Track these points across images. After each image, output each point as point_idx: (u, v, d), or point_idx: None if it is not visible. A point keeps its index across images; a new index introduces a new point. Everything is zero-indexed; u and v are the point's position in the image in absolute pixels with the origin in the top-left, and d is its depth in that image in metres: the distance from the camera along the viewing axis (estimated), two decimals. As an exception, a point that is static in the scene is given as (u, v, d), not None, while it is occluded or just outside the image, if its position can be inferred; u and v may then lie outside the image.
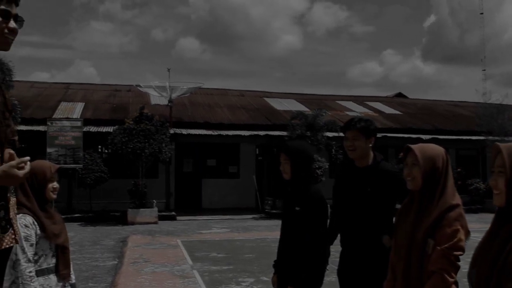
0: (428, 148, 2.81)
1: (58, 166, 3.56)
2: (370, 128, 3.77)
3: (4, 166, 2.11)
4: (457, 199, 2.68)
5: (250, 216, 17.78)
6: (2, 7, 2.21)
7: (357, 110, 25.06)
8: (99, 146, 19.12)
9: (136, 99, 22.40)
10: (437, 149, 2.82)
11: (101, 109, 21.09)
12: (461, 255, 2.55)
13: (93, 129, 17.97)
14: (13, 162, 2.12)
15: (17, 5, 2.29)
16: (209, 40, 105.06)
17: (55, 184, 3.41)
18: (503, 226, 1.96)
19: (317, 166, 16.93)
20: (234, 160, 21.61)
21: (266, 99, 25.90)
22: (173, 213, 17.67)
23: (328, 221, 3.88)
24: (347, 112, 24.17)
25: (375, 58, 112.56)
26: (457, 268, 2.55)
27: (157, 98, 21.19)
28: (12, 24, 2.24)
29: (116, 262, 9.75)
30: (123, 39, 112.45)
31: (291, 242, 3.81)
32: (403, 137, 19.93)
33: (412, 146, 2.82)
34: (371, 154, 3.75)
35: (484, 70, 44.40)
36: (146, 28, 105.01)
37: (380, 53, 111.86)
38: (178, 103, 21.11)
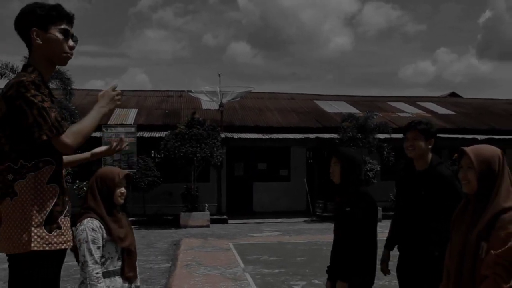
0: (483, 150, 2.75)
1: (126, 172, 3.72)
2: (431, 130, 3.92)
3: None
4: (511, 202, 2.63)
5: (301, 219, 17.76)
6: (63, 26, 2.56)
7: (409, 111, 24.63)
8: (152, 151, 19.51)
9: (188, 104, 22.75)
10: (493, 151, 2.76)
11: (153, 114, 21.51)
12: None
13: (146, 134, 18.35)
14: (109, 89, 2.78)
15: (72, 26, 2.61)
16: (259, 44, 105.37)
17: (123, 190, 3.55)
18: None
19: (368, 169, 16.77)
20: (285, 163, 21.61)
21: (316, 101, 25.80)
22: (225, 216, 17.84)
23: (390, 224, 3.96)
24: (399, 113, 23.81)
25: (428, 58, 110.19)
26: (511, 273, 2.49)
27: (208, 103, 21.45)
28: (71, 42, 2.60)
29: (169, 265, 9.94)
30: (176, 46, 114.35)
31: (343, 244, 3.88)
32: (457, 138, 19.45)
33: (466, 148, 2.77)
34: (429, 156, 3.82)
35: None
36: (198, 34, 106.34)
37: (433, 52, 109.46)
38: (229, 107, 21.30)
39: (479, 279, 2.54)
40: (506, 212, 2.57)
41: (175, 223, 16.61)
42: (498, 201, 2.60)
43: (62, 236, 2.59)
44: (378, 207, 4.07)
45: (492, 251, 2.50)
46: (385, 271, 4.06)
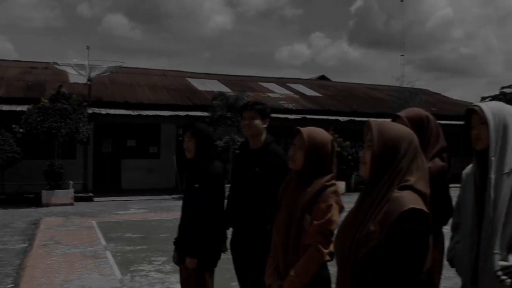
0: (317, 134, 2.95)
1: None
2: (266, 111, 4.06)
3: None
4: (333, 179, 2.88)
5: (169, 197, 17.74)
6: None
7: (278, 91, 25.42)
8: (14, 126, 18.40)
9: (54, 77, 21.67)
10: (324, 135, 2.97)
11: (14, 86, 20.26)
12: (334, 228, 2.73)
13: (5, 107, 17.24)
14: None
15: None
16: (137, 17, 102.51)
17: None
18: (365, 199, 2.13)
19: (236, 147, 17.09)
20: (155, 140, 21.40)
21: (188, 79, 25.76)
22: (91, 194, 17.33)
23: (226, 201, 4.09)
24: (269, 94, 24.50)
25: (304, 41, 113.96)
26: (331, 241, 2.74)
27: (76, 77, 20.57)
28: None
29: (26, 245, 9.53)
30: (48, 14, 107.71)
31: (190, 218, 3.97)
32: (322, 119, 20.43)
33: (302, 129, 2.97)
34: (264, 135, 3.98)
35: (403, 55, 46.19)
36: (72, 3, 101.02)
37: (309, 36, 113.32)
38: (98, 82, 20.62)
39: (303, 248, 2.77)
40: (328, 188, 2.82)
41: (37, 202, 15.83)
42: (322, 179, 2.84)
43: None
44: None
45: (314, 222, 2.74)
46: (223, 249, 4.21)
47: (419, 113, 3.28)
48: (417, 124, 3.15)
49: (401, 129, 2.09)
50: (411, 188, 1.94)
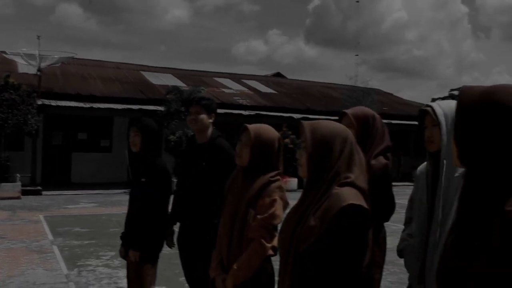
0: (263, 131, 2.96)
1: None
2: (212, 106, 4.07)
3: None
4: (278, 175, 2.90)
5: (121, 191, 17.46)
6: None
7: (233, 87, 25.40)
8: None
9: (1, 66, 20.97)
10: (271, 133, 2.98)
11: (-40, 75, 19.53)
12: (278, 223, 2.75)
13: (-51, 97, 16.61)
14: None
15: None
16: (93, 8, 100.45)
17: None
18: (307, 196, 2.14)
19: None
20: (107, 134, 21.04)
21: (143, 72, 25.44)
22: (39, 187, 16.90)
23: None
24: (223, 89, 24.45)
25: (261, 38, 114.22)
26: (274, 235, 2.76)
27: (26, 67, 19.97)
28: None
29: (-32, 239, 9.23)
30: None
31: (137, 212, 3.98)
32: (276, 116, 20.54)
33: (249, 126, 2.97)
34: (211, 130, 4.00)
35: (357, 55, 46.97)
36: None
37: (266, 32, 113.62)
38: (49, 73, 20.11)
39: (246, 242, 2.79)
40: (272, 183, 2.84)
41: (-19, 195, 15.33)
42: (267, 174, 2.86)
43: None
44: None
45: (258, 216, 2.76)
46: (170, 244, 4.20)
47: (365, 111, 3.31)
48: (363, 122, 3.20)
49: (334, 127, 2.10)
50: (351, 184, 1.97)
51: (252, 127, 2.94)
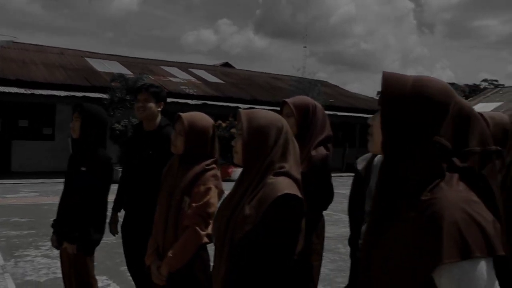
0: (197, 119, 2.98)
1: None
2: (161, 94, 4.02)
3: None
4: (214, 164, 2.93)
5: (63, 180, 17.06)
6: None
7: (180, 76, 25.18)
8: None
9: None
10: (205, 121, 3.00)
11: None
12: (213, 211, 2.77)
13: None
14: None
15: None
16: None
17: None
18: (241, 184, 2.16)
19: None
20: (49, 121, 20.48)
21: (87, 59, 24.86)
22: (-24, 176, 16.35)
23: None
24: (170, 78, 24.21)
25: (211, 27, 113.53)
26: (209, 223, 2.78)
27: (-38, 51, 19.24)
28: None
29: None
30: None
31: (75, 203, 3.85)
32: (222, 105, 20.51)
33: (182, 114, 2.97)
34: (159, 118, 3.96)
35: (305, 47, 47.37)
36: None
37: (215, 22, 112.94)
38: (-13, 57, 19.41)
39: (181, 230, 2.80)
40: (207, 171, 2.87)
41: None
42: (203, 162, 2.89)
43: None
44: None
45: (193, 204, 2.77)
46: (114, 231, 4.16)
47: (305, 100, 3.34)
48: (303, 111, 3.23)
49: (270, 116, 2.12)
50: (286, 174, 2.01)
51: (186, 115, 2.95)
